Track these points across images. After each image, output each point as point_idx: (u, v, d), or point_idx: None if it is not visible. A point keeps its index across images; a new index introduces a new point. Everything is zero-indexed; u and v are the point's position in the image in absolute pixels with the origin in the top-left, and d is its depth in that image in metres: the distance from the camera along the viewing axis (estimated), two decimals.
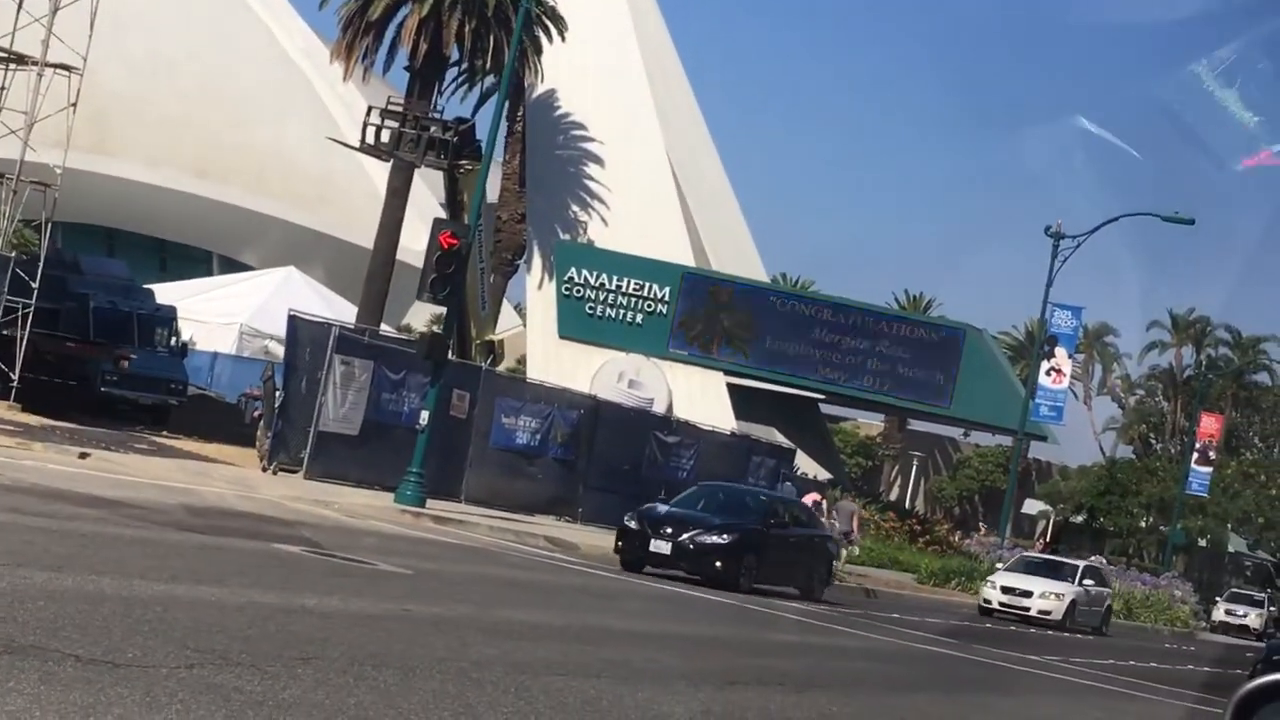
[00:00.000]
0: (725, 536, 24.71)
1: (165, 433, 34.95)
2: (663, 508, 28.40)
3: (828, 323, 56.78)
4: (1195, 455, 69.62)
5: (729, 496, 29.62)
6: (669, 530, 24.71)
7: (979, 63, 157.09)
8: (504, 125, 47.77)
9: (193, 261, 53.20)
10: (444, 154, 39.94)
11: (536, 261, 54.33)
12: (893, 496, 79.39)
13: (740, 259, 62.23)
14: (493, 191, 48.61)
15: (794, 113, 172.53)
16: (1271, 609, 57.18)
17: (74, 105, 30.70)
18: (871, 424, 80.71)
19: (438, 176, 48.37)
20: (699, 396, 51.52)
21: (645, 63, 56.55)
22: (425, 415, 30.24)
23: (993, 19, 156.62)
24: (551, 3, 46.78)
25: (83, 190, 41.25)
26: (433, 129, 42.01)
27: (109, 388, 36.07)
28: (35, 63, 31.07)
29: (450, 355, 32.62)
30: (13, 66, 32.05)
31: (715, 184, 63.41)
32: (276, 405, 32.62)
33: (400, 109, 44.56)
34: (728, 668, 17.70)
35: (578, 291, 54.10)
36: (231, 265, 53.78)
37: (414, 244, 40.46)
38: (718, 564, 24.51)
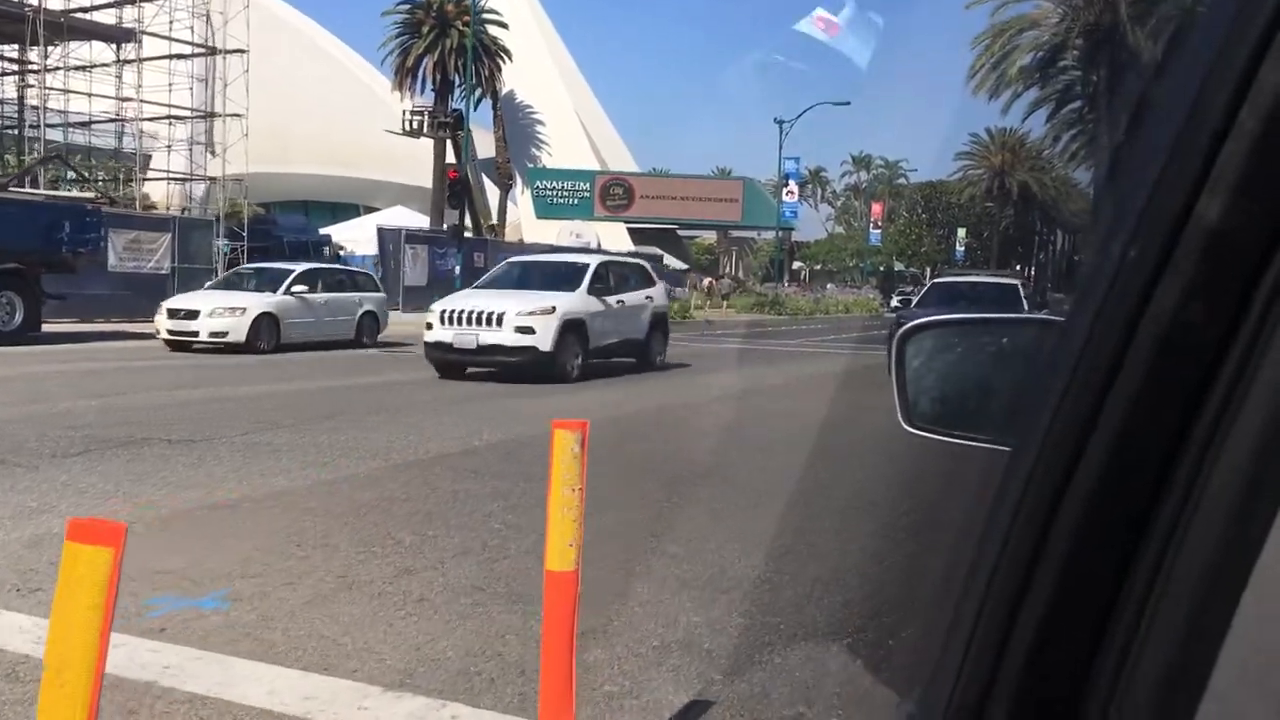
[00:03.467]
0: None
1: None
2: None
3: (677, 187, 54.30)
4: (872, 225, 67.92)
5: None
6: None
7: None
8: (490, 112, 45.53)
9: (349, 210, 50.32)
10: (449, 131, 37.28)
11: (519, 181, 51.86)
12: (728, 271, 77.41)
13: (621, 158, 59.45)
14: (493, 150, 46.25)
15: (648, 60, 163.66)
16: (911, 295, 55.23)
17: (246, 135, 27.95)
18: (708, 238, 78.35)
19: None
20: (613, 237, 49.51)
21: (554, 58, 53.53)
22: (458, 268, 28.31)
23: None
24: (502, 42, 43.66)
25: (281, 184, 39.17)
26: (441, 118, 39.03)
27: None
28: (218, 115, 28.32)
29: (469, 235, 30.37)
30: (205, 118, 29.32)
31: (601, 118, 60.22)
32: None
33: (424, 109, 41.47)
34: None
35: (542, 193, 51.85)
36: (370, 209, 50.90)
37: None
38: None
